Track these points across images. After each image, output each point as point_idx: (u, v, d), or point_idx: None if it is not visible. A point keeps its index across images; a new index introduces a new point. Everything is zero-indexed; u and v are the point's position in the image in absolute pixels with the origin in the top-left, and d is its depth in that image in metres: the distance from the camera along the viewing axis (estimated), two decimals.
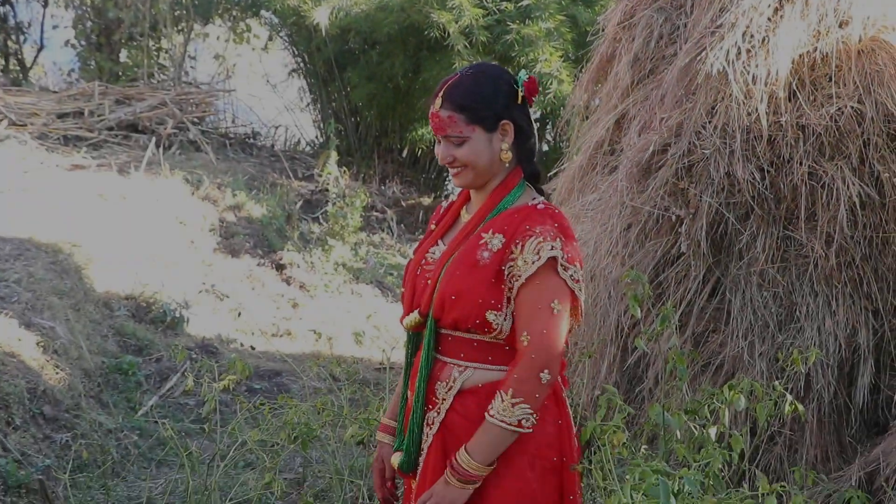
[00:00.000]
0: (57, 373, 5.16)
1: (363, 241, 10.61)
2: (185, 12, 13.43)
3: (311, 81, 13.59)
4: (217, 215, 9.45)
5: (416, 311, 2.67)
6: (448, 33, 10.13)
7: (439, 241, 2.76)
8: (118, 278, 7.22)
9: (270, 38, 14.21)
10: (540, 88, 2.80)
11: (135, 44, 13.81)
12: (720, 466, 2.77)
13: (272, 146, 13.33)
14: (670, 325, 3.49)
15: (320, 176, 11.10)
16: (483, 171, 2.62)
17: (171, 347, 6.37)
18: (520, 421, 2.46)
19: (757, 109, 4.49)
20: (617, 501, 2.64)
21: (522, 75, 2.64)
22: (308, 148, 13.84)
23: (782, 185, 4.51)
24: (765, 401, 3.38)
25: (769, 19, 4.56)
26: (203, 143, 11.34)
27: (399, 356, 4.54)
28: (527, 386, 2.46)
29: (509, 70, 2.78)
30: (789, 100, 4.56)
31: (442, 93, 2.60)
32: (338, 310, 8.56)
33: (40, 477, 4.24)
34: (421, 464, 2.69)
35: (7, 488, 4.03)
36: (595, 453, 3.12)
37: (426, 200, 13.03)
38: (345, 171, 10.97)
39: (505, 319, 2.53)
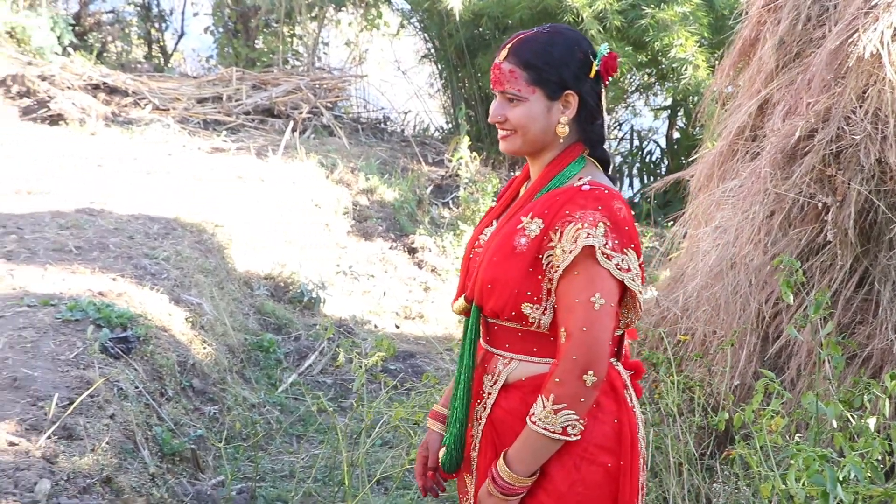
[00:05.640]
0: (204, 348, 5.36)
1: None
2: None
3: (442, 67, 13.68)
4: (350, 199, 9.62)
5: (462, 297, 2.45)
6: (582, 18, 10.04)
7: (494, 221, 2.47)
8: (257, 258, 7.44)
9: (402, 25, 14.37)
10: (616, 69, 2.48)
11: (270, 30, 14.17)
12: (878, 457, 2.70)
13: (402, 131, 13.49)
14: (821, 313, 3.41)
15: (450, 161, 11.18)
16: (532, 141, 2.33)
17: (319, 326, 6.53)
18: (564, 428, 2.20)
19: None
20: (770, 487, 2.61)
21: (603, 49, 2.34)
22: (437, 133, 13.95)
23: None
24: None
25: None
26: (336, 128, 11.56)
27: None
28: (569, 389, 2.19)
29: (590, 42, 2.40)
30: None
31: (510, 45, 2.31)
32: None
33: (192, 446, 4.42)
34: (475, 460, 2.47)
35: (163, 455, 4.21)
36: (739, 443, 3.08)
37: None
38: (475, 157, 11.02)
39: (543, 314, 2.27)
